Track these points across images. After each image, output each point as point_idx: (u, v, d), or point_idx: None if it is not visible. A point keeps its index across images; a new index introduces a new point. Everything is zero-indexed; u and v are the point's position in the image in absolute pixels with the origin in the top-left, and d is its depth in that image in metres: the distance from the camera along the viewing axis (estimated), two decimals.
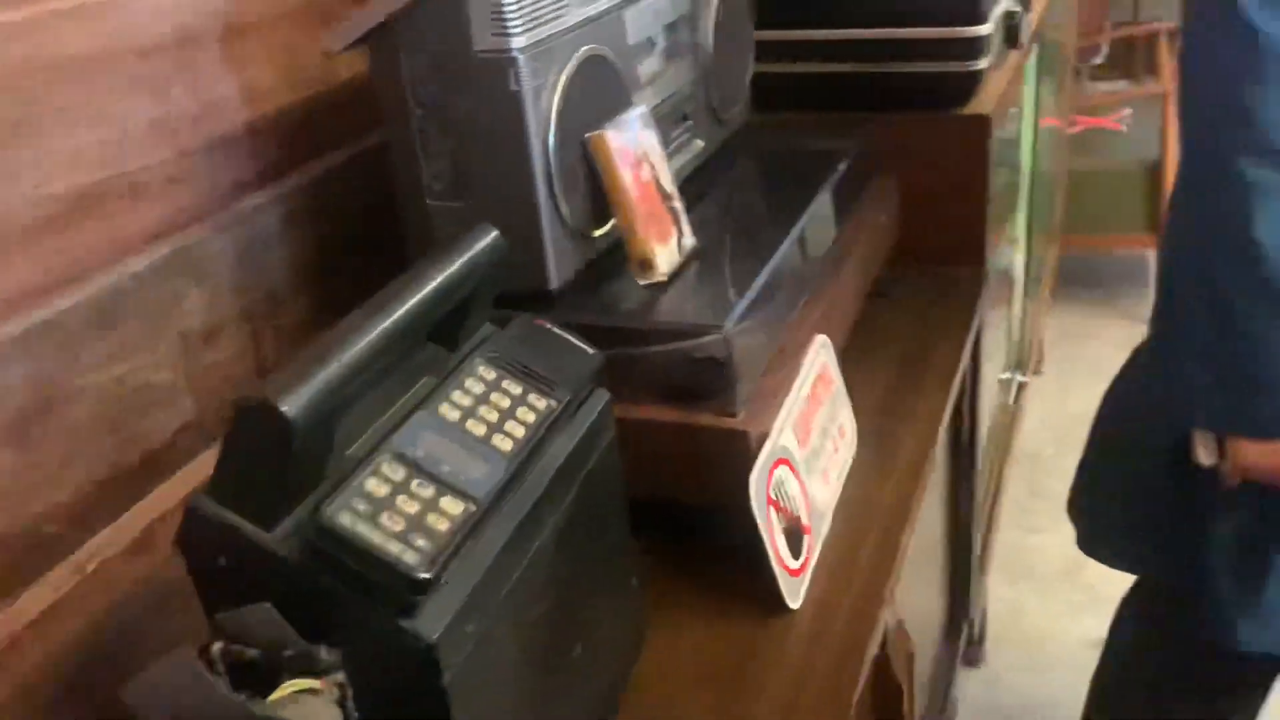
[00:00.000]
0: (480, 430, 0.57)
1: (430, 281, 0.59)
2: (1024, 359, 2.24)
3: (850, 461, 0.93)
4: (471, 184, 0.79)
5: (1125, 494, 1.24)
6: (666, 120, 0.98)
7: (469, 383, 0.59)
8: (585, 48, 0.81)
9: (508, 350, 0.62)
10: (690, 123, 1.04)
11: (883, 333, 1.16)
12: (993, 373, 2.06)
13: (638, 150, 0.84)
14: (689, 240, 0.88)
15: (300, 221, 0.92)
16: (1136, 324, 2.98)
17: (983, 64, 1.22)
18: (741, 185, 1.08)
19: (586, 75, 0.81)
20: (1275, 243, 0.86)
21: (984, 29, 1.20)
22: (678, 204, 0.87)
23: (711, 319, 0.78)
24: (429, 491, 0.52)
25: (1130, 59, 3.87)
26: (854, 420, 0.95)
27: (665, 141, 0.98)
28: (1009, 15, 1.35)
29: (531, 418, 0.59)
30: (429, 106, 0.77)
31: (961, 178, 1.27)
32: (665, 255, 0.84)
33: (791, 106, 1.28)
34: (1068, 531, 2.23)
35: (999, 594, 2.07)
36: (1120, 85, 3.84)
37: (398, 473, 0.52)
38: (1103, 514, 1.31)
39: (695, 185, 1.03)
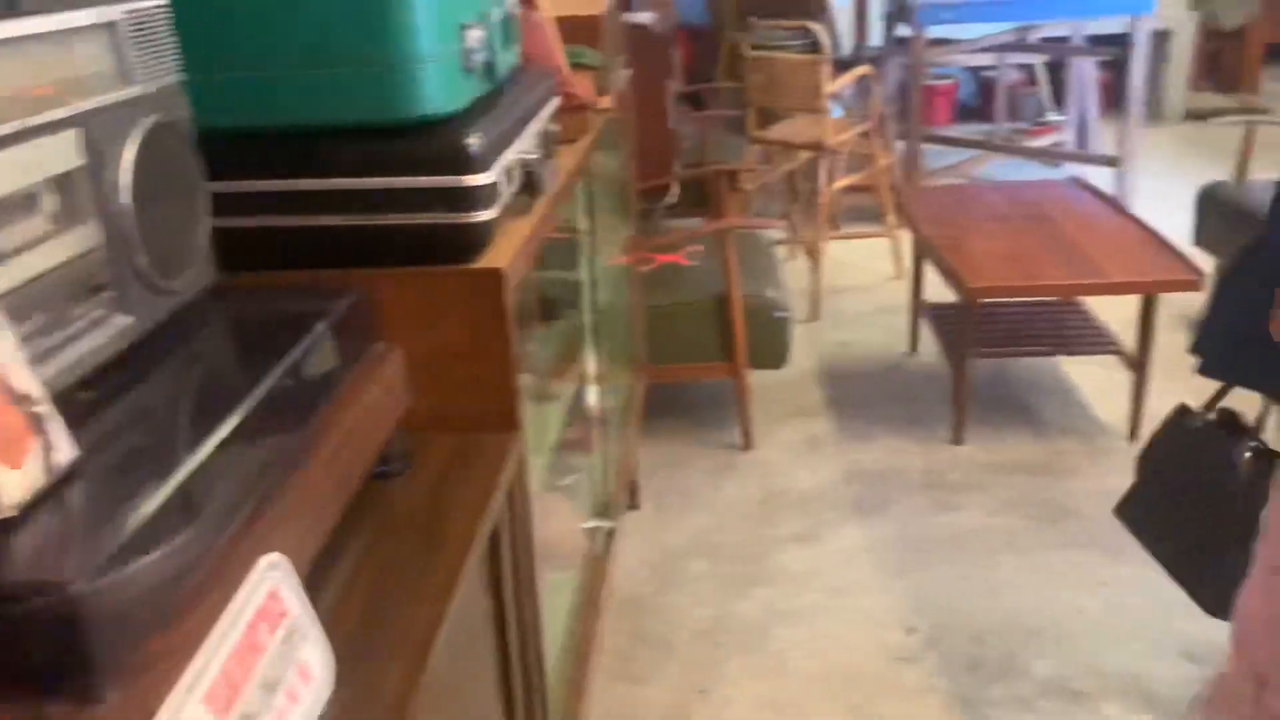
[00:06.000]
0: None
1: None
2: (611, 503, 2.19)
3: (323, 708, 0.74)
4: None
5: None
6: (59, 296, 0.77)
7: None
8: None
9: None
10: (110, 293, 0.83)
11: (380, 521, 1.00)
12: (571, 523, 1.97)
13: None
14: (63, 454, 0.67)
15: None
16: (723, 450, 3.09)
17: (486, 215, 1.12)
18: (187, 367, 0.88)
19: None
20: None
21: (483, 179, 1.11)
22: (41, 408, 0.66)
23: (54, 569, 0.57)
24: None
25: (701, 198, 4.15)
26: (328, 653, 0.77)
27: (56, 325, 0.77)
28: (525, 164, 1.29)
29: None
30: None
31: (481, 336, 1.16)
32: (16, 481, 0.62)
33: (277, 265, 1.12)
34: (673, 675, 2.17)
35: None
36: (693, 222, 4.10)
37: None
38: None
39: (121, 373, 0.82)
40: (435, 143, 1.10)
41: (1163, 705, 1.94)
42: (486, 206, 1.13)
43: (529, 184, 1.30)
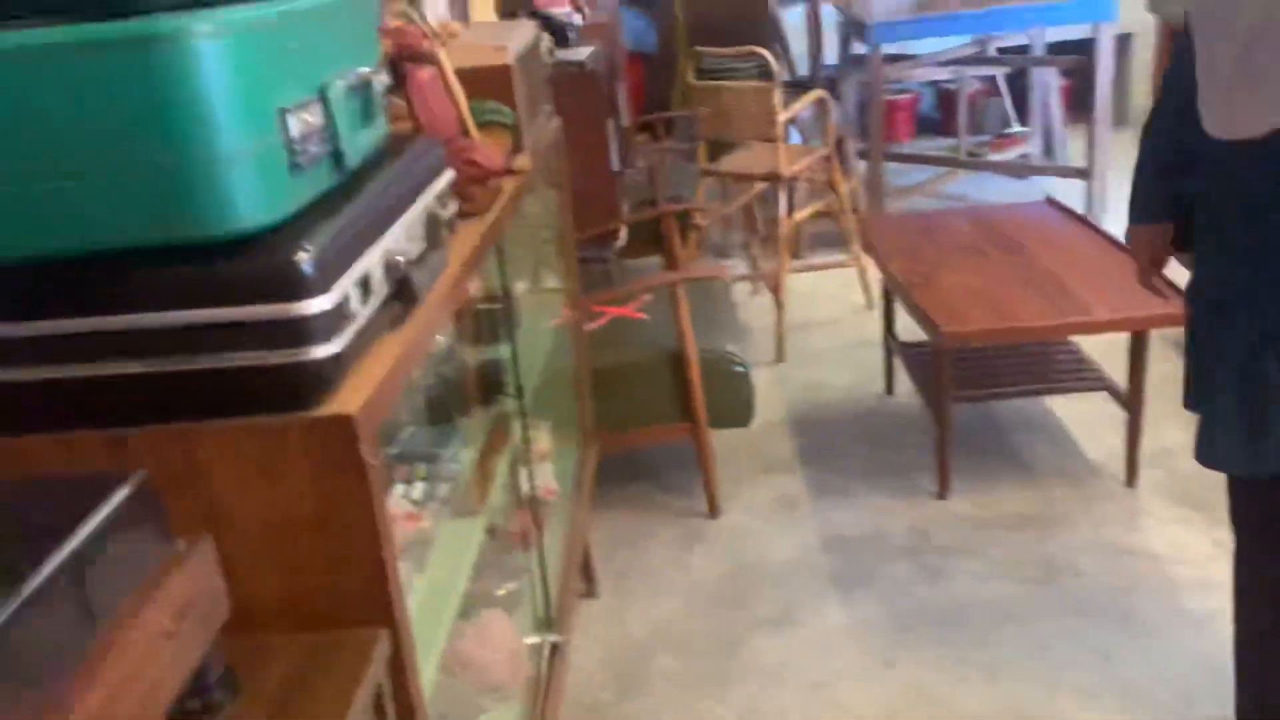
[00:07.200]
0: None
1: None
2: (553, 615, 1.93)
3: None
4: None
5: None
6: None
7: None
8: None
9: None
10: None
11: None
12: (510, 643, 1.72)
13: None
14: None
15: None
16: (688, 518, 2.84)
17: (327, 350, 0.88)
18: None
19: None
20: None
21: (319, 303, 0.87)
22: None
23: None
24: None
25: (655, 237, 3.91)
26: None
27: None
28: (393, 267, 1.04)
29: None
30: None
31: (331, 501, 0.91)
32: None
33: (59, 425, 0.87)
34: None
35: None
36: (648, 263, 3.86)
37: None
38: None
39: None
40: (252, 263, 0.85)
41: None
42: (327, 338, 0.88)
43: (401, 291, 1.05)
